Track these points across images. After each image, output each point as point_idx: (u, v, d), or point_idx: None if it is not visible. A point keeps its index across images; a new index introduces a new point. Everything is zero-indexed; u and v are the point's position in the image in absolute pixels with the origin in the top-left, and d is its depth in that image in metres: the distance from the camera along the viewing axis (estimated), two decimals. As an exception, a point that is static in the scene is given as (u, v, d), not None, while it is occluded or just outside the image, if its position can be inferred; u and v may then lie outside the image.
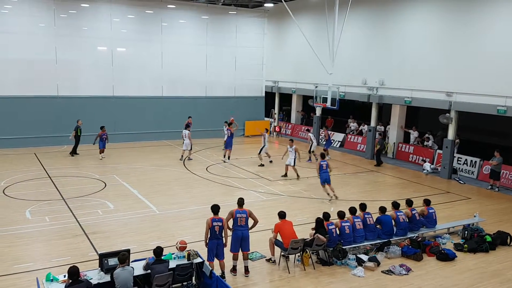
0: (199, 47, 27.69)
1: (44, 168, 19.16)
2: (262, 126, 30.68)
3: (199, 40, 27.71)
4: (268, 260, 11.09)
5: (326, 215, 11.43)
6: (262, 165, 21.08)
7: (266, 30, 30.20)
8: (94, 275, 8.55)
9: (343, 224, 11.52)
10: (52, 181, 17.26)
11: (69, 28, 23.88)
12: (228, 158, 21.60)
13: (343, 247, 11.23)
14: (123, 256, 8.42)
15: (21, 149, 22.22)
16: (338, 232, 11.44)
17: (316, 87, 24.16)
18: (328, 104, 21.91)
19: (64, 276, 8.21)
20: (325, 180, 16.27)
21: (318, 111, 28.24)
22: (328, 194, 16.34)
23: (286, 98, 33.17)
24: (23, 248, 11.42)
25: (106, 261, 8.69)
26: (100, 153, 21.14)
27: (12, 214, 13.65)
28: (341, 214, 11.70)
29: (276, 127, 31.15)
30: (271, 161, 21.78)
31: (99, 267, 8.78)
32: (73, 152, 21.81)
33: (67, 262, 9.80)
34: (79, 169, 19.07)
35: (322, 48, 22.89)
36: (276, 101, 32.87)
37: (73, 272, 7.89)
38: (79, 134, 21.81)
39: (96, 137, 21.16)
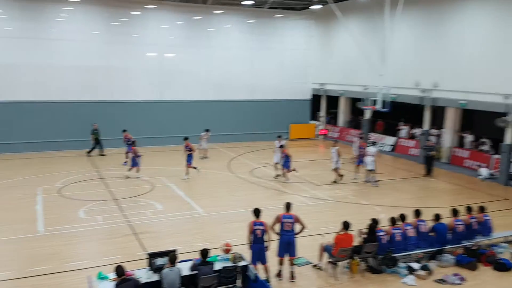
0: (245, 51, 27.83)
1: (97, 170, 19.88)
2: (307, 130, 30.52)
3: (245, 44, 27.85)
4: (315, 266, 10.84)
5: (375, 221, 11.03)
6: (334, 182, 18.80)
7: (313, 32, 29.88)
8: (143, 274, 8.71)
9: (394, 231, 11.07)
10: (104, 182, 17.87)
11: (120, 36, 24.75)
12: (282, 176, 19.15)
13: (393, 255, 10.78)
14: (173, 256, 8.50)
15: (77, 151, 23.20)
16: (388, 239, 11.01)
17: (365, 89, 23.56)
18: (379, 106, 21.31)
19: (114, 274, 8.39)
20: None
21: (368, 114, 27.53)
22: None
23: (333, 101, 32.62)
24: (77, 247, 11.86)
25: (154, 261, 8.83)
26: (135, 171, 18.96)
27: (68, 213, 14.22)
28: (393, 221, 11.26)
29: (323, 130, 30.68)
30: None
31: (147, 266, 8.92)
32: (93, 151, 22.76)
33: (117, 261, 9.97)
34: (129, 171, 19.58)
35: (371, 49, 22.34)
36: (322, 104, 32.40)
37: (120, 271, 8.09)
38: (96, 136, 22.56)
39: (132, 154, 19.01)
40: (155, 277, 8.60)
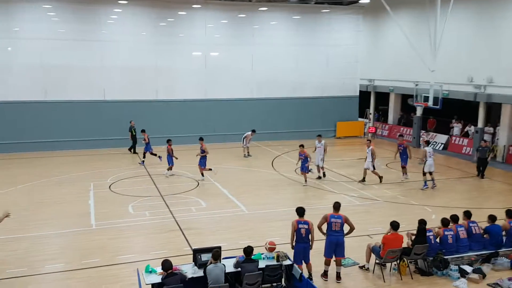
0: (290, 48, 27.58)
1: (145, 167, 20.40)
2: (355, 127, 29.83)
3: (290, 41, 27.61)
4: (362, 267, 10.58)
5: (423, 222, 10.58)
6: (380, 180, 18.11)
7: (361, 27, 29.17)
8: (188, 269, 8.83)
9: (446, 232, 10.58)
10: (152, 179, 18.31)
11: (167, 36, 25.23)
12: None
13: (445, 257, 10.30)
14: (217, 253, 8.54)
15: (125, 149, 23.92)
16: (438, 240, 10.52)
17: (416, 85, 22.72)
18: (430, 103, 20.51)
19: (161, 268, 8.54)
20: None
21: (419, 111, 26.53)
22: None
23: (382, 97, 31.74)
24: (126, 240, 12.21)
25: (199, 257, 8.92)
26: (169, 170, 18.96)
27: (117, 208, 14.68)
28: (445, 222, 10.76)
29: (371, 128, 29.93)
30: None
31: (193, 261, 9.02)
32: (132, 149, 23.23)
33: (164, 255, 10.19)
34: (174, 168, 19.95)
35: (422, 43, 21.51)
36: (371, 101, 31.59)
37: (167, 266, 8.23)
38: (133, 133, 22.94)
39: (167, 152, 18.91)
40: (200, 273, 8.68)
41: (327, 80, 28.58)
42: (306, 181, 17.64)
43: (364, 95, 30.95)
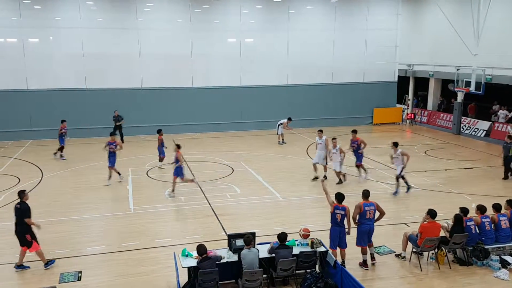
0: (326, 33, 27.10)
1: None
2: (393, 114, 29.10)
3: (327, 25, 27.12)
4: (398, 255, 10.42)
5: (465, 210, 10.29)
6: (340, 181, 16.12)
7: (401, 11, 28.26)
8: (223, 254, 8.99)
9: (484, 220, 10.25)
10: (187, 165, 18.60)
11: (202, 23, 25.34)
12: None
13: (485, 247, 9.98)
14: (248, 238, 8.64)
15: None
16: (477, 229, 10.21)
17: (457, 70, 21.90)
18: (472, 88, 19.76)
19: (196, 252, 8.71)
20: None
21: (460, 97, 25.59)
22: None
23: (422, 83, 30.78)
24: (163, 225, 12.52)
25: (234, 242, 9.05)
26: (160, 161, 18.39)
27: (154, 194, 15.05)
28: (482, 209, 10.43)
29: (410, 114, 29.14)
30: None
31: (227, 246, 9.16)
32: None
33: (199, 240, 10.42)
34: (210, 155, 20.21)
35: (464, 27, 20.71)
36: (410, 86, 30.70)
37: (202, 250, 8.42)
38: (117, 123, 22.64)
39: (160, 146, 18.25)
40: (234, 257, 8.81)
41: (364, 65, 27.97)
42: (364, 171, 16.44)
43: (402, 81, 30.10)
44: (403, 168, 14.51)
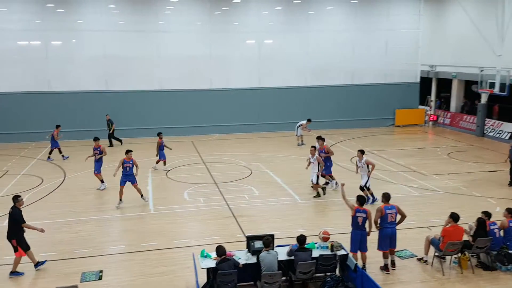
0: (346, 33, 26.86)
1: (199, 154, 20.83)
2: (415, 115, 28.62)
3: (347, 26, 26.88)
4: (420, 259, 10.23)
5: (488, 214, 10.06)
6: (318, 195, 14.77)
7: (422, 11, 27.82)
8: (242, 255, 8.95)
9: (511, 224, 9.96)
10: (206, 166, 18.66)
11: (221, 24, 25.45)
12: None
13: (510, 252, 9.70)
14: (267, 240, 8.58)
15: (181, 137, 24.54)
16: (502, 233, 9.93)
17: (481, 71, 21.41)
18: (496, 89, 19.31)
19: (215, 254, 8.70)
20: None
21: (484, 98, 25.00)
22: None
23: (444, 84, 30.18)
24: (182, 226, 12.58)
25: (252, 243, 9.00)
26: (158, 163, 18.31)
27: (173, 195, 15.12)
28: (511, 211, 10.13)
29: (432, 116, 28.63)
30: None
31: (246, 248, 9.12)
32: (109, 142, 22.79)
33: (218, 241, 10.39)
34: (228, 156, 20.23)
35: (488, 27, 20.25)
36: (432, 87, 30.13)
37: (221, 251, 8.41)
38: (109, 127, 22.59)
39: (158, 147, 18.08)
40: (253, 259, 8.75)
41: (385, 66, 27.61)
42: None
43: (425, 82, 29.58)
44: (368, 178, 13.74)
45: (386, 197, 9.82)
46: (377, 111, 27.62)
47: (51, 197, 14.91)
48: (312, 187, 14.96)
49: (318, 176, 14.35)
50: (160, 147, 17.94)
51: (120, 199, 13.89)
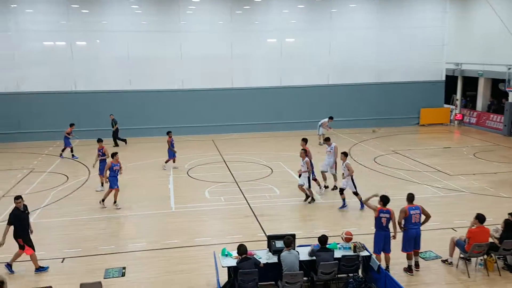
0: (370, 31, 26.48)
1: (220, 153, 20.89)
2: (440, 114, 28.01)
3: (370, 24, 26.50)
4: (444, 261, 10.01)
5: None
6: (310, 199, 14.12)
7: (448, 8, 27.22)
8: (263, 254, 8.92)
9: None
10: (227, 165, 18.69)
11: (243, 24, 25.42)
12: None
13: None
14: (288, 240, 8.52)
15: (202, 136, 24.66)
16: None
17: (509, 69, 20.82)
18: (524, 88, 18.72)
19: (237, 252, 8.68)
20: None
21: (511, 97, 24.28)
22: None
23: (470, 82, 29.48)
24: (203, 224, 12.62)
25: (273, 243, 8.95)
26: (168, 162, 18.24)
27: (194, 193, 15.18)
28: None
29: (458, 115, 27.99)
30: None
31: (267, 247, 9.07)
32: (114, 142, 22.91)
33: (239, 240, 10.39)
34: (249, 155, 20.20)
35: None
36: (458, 86, 29.46)
37: (242, 250, 8.38)
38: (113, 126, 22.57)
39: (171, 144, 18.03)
40: (274, 259, 8.70)
41: (410, 64, 27.09)
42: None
43: (450, 80, 28.94)
44: (353, 182, 13.13)
45: (410, 197, 9.63)
46: (401, 110, 27.15)
47: (75, 195, 15.17)
48: (303, 189, 13.87)
49: (310, 180, 13.63)
50: (171, 146, 17.97)
51: (115, 201, 13.79)
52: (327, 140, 15.52)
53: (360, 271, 9.11)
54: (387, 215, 9.29)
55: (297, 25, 25.96)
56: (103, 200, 13.86)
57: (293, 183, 16.04)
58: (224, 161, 19.49)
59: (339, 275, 8.83)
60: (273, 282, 8.89)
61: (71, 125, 20.35)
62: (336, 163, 15.08)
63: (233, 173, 17.46)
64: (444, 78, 28.08)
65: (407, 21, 26.75)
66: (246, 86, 25.89)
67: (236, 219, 12.83)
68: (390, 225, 9.39)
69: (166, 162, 18.19)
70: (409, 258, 9.56)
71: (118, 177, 13.88)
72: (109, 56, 24.43)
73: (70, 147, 20.25)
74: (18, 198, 9.86)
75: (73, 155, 20.29)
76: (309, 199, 13.90)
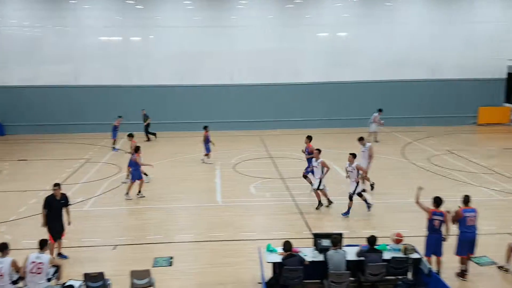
0: (426, 25, 25.35)
1: (267, 149, 20.83)
2: (500, 114, 26.46)
3: (427, 18, 25.38)
4: (501, 267, 9.50)
5: None
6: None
7: (510, 1, 25.60)
8: (308, 252, 8.79)
9: None
10: (273, 161, 18.61)
11: (294, 18, 25.14)
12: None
13: None
14: (335, 239, 8.36)
15: (249, 131, 24.71)
16: None
17: None
18: None
19: (282, 249, 8.61)
20: None
21: None
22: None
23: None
24: (248, 219, 12.66)
25: (320, 241, 8.80)
26: (206, 156, 18.50)
27: (240, 188, 15.24)
28: None
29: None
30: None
31: (313, 245, 8.93)
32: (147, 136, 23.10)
33: (284, 237, 10.27)
34: (296, 152, 19.97)
35: None
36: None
37: (288, 247, 8.33)
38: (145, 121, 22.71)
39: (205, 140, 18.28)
40: (320, 257, 8.56)
41: (468, 61, 25.73)
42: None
43: (512, 78, 27.28)
44: (357, 185, 12.45)
45: (466, 200, 9.16)
46: (458, 108, 25.90)
47: (126, 185, 15.63)
48: (323, 193, 13.29)
49: (321, 181, 13.10)
50: (206, 141, 18.15)
51: (139, 191, 14.31)
52: (361, 139, 14.63)
53: (409, 274, 8.77)
54: (440, 218, 8.91)
55: (350, 19, 25.32)
56: (139, 192, 14.31)
57: (342, 182, 15.71)
58: (271, 157, 19.43)
59: (387, 277, 8.55)
60: (318, 281, 8.75)
61: (119, 117, 21.07)
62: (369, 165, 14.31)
63: (279, 169, 17.36)
64: (505, 76, 26.44)
65: (465, 15, 25.43)
66: (296, 82, 25.58)
67: (281, 216, 12.76)
68: (444, 228, 8.97)
69: (205, 155, 18.33)
70: (462, 262, 9.16)
71: (141, 169, 14.27)
72: (161, 51, 24.98)
73: (114, 139, 20.88)
74: (55, 185, 9.96)
75: (113, 147, 20.89)
76: (318, 204, 13.15)
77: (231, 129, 24.86)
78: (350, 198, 12.60)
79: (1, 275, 8.05)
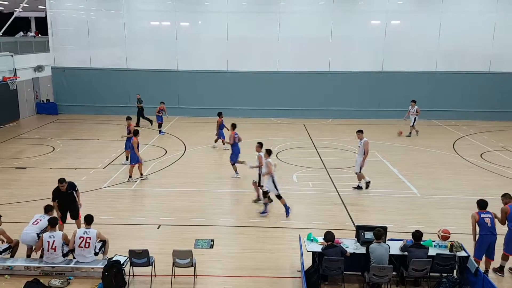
0: (486, 15, 24.06)
1: (311, 138, 20.62)
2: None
3: (486, 6, 24.07)
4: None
5: None
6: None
7: None
8: (350, 244, 8.67)
9: None
10: (317, 151, 18.41)
11: (345, 4, 24.58)
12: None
13: None
14: (379, 233, 8.19)
15: (293, 120, 24.58)
16: None
17: None
18: None
19: (323, 238, 8.54)
20: None
21: None
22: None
23: None
24: (289, 207, 12.53)
25: (362, 234, 8.65)
26: (217, 142, 18.81)
27: (282, 176, 15.05)
28: None
29: None
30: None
31: (355, 237, 8.80)
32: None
33: (325, 227, 10.23)
34: (342, 142, 19.69)
35: None
36: None
37: (329, 237, 8.23)
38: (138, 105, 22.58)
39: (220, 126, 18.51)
40: (362, 250, 8.41)
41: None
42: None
43: None
44: (274, 183, 11.66)
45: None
46: (516, 103, 24.60)
47: (172, 168, 16.03)
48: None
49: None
50: (220, 126, 18.28)
51: (141, 174, 14.66)
52: (359, 132, 13.56)
53: (455, 272, 8.47)
54: (489, 215, 8.60)
55: (404, 7, 24.43)
56: (141, 174, 14.66)
57: (388, 174, 15.46)
58: (315, 146, 19.23)
59: (431, 274, 8.31)
60: (359, 273, 8.63)
61: (162, 103, 21.49)
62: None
63: (323, 159, 17.17)
64: None
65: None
66: (344, 70, 25.04)
67: (323, 206, 12.63)
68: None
69: (223, 143, 18.20)
70: (504, 259, 8.89)
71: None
72: (209, 36, 25.15)
73: (160, 122, 21.34)
74: (61, 182, 9.93)
75: (160, 131, 21.34)
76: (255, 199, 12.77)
77: (275, 116, 24.81)
78: (264, 195, 12.01)
79: (54, 248, 8.51)
